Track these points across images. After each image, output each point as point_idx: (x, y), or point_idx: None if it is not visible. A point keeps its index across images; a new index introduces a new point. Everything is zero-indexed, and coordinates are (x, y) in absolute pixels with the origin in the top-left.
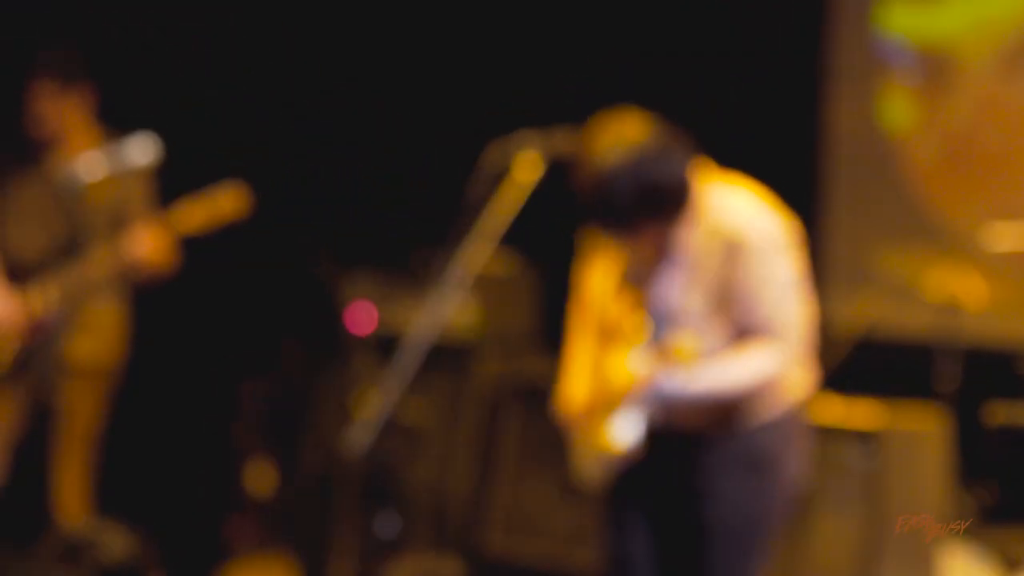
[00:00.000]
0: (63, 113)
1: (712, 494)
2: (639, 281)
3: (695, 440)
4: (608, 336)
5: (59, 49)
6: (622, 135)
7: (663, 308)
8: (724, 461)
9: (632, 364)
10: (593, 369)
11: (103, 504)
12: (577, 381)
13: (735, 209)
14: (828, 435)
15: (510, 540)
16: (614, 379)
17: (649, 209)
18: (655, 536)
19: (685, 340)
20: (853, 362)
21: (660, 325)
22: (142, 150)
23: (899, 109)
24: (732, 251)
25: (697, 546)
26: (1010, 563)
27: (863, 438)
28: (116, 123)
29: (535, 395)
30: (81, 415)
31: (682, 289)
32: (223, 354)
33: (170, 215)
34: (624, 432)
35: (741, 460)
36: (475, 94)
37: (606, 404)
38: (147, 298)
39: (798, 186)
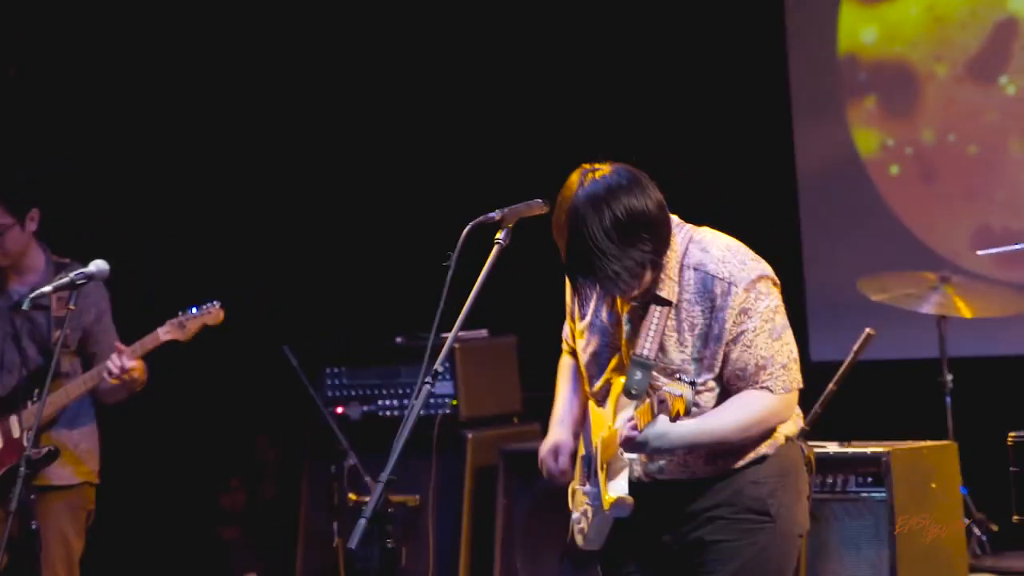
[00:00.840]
0: (19, 242)
1: (714, 544)
2: (620, 331)
3: (687, 488)
4: (596, 392)
5: (8, 179)
6: (591, 173)
7: (647, 356)
8: (719, 506)
9: (618, 417)
10: (582, 424)
11: None
12: (562, 432)
13: (718, 255)
14: (832, 465)
15: None
16: (600, 434)
17: (632, 243)
18: None
19: (673, 389)
20: (849, 390)
21: (644, 374)
22: (96, 271)
23: (867, 131)
24: (717, 297)
25: None
26: None
27: (870, 463)
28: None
29: (525, 463)
30: (62, 538)
31: (666, 337)
32: (202, 458)
33: (150, 334)
34: (614, 488)
35: (736, 504)
36: (445, 175)
37: (596, 461)
38: (119, 411)
39: (776, 222)
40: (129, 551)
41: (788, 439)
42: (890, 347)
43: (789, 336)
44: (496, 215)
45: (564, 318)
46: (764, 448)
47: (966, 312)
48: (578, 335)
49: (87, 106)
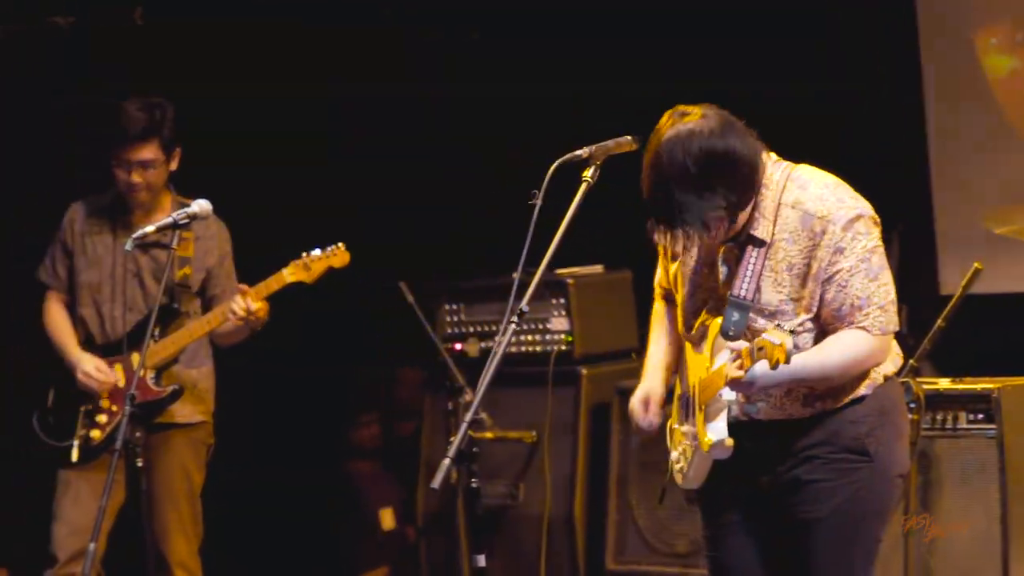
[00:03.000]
0: (162, 179)
1: (811, 484)
2: (716, 272)
3: (784, 428)
4: (692, 334)
5: (166, 110)
6: (679, 117)
7: (744, 297)
8: (816, 446)
9: (715, 359)
10: (678, 368)
11: (219, 559)
12: (655, 381)
13: (816, 192)
14: (942, 402)
15: (625, 560)
16: (698, 376)
17: (714, 186)
18: (757, 537)
19: (773, 337)
20: (965, 325)
21: (741, 315)
22: (199, 211)
23: (998, 56)
24: (816, 235)
25: (801, 541)
26: None
27: (980, 400)
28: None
29: None
30: (184, 472)
31: (763, 277)
32: (332, 394)
33: (275, 274)
34: (713, 430)
35: (834, 444)
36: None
37: (694, 402)
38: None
39: (905, 155)
40: (261, 489)
41: (887, 378)
42: (1017, 281)
43: (887, 277)
44: (583, 152)
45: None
46: (862, 388)
47: None
48: (673, 278)
49: (213, 46)
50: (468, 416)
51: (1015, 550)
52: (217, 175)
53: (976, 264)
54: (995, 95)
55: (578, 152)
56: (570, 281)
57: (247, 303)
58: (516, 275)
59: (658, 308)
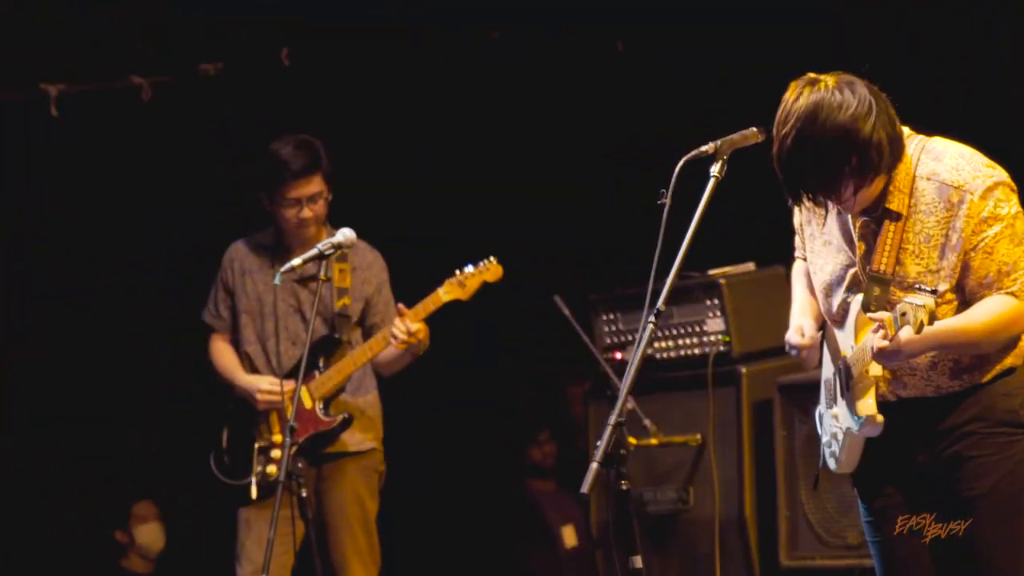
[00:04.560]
0: (324, 209)
1: (970, 460)
2: (854, 248)
3: (935, 404)
4: (834, 313)
5: (318, 145)
6: (811, 85)
7: (883, 272)
8: (972, 421)
9: (860, 336)
10: (821, 352)
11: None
12: (804, 318)
13: (952, 163)
14: None
15: (798, 555)
16: (843, 355)
17: (843, 153)
18: (918, 516)
19: (915, 299)
20: None
21: (883, 290)
22: (343, 240)
23: None
24: (953, 205)
25: (962, 515)
26: None
27: None
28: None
29: (801, 393)
30: (358, 500)
31: (902, 251)
32: (504, 414)
33: (430, 295)
34: (862, 407)
35: (989, 418)
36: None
37: (841, 382)
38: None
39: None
40: (436, 511)
41: None
42: None
43: None
44: (709, 147)
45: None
46: (1010, 360)
47: None
48: (812, 254)
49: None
50: (612, 418)
51: None
52: (361, 203)
53: None
54: None
55: (703, 148)
56: (723, 281)
57: (407, 325)
58: (651, 278)
59: (799, 266)
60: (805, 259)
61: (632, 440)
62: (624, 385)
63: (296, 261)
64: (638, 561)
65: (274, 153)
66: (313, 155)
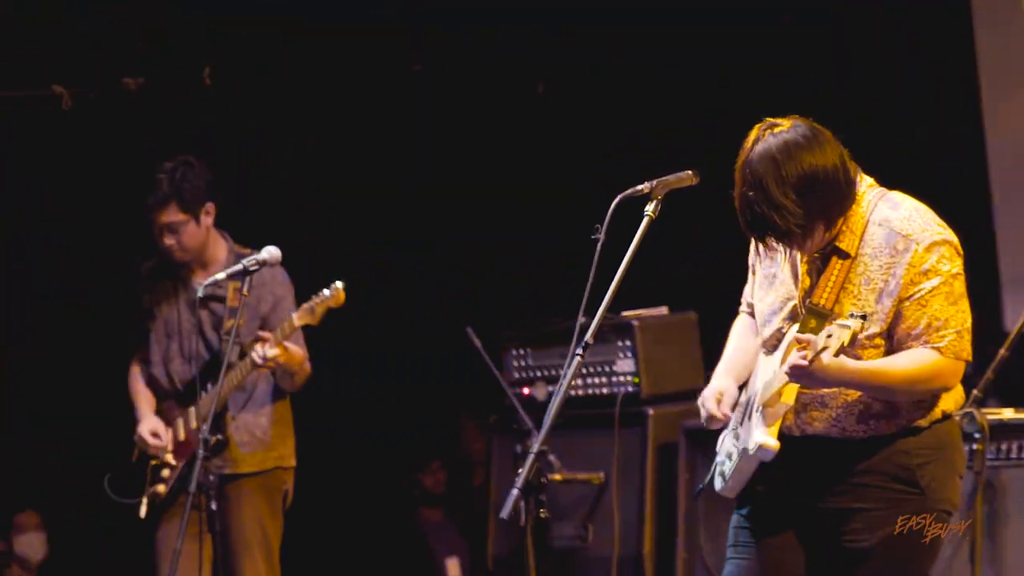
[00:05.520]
0: (196, 236)
1: (860, 512)
2: (797, 281)
3: (835, 448)
4: (767, 341)
5: (188, 171)
6: (770, 129)
7: (823, 306)
8: (867, 473)
9: (787, 359)
10: (753, 370)
11: None
12: (729, 380)
13: (906, 212)
14: (1007, 432)
15: None
16: (764, 379)
17: (807, 197)
18: (797, 553)
19: (845, 321)
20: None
21: (819, 323)
22: (268, 257)
23: None
24: (898, 252)
25: (847, 570)
26: None
27: None
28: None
29: (707, 438)
30: (257, 521)
31: (843, 290)
32: (395, 441)
33: (287, 321)
34: (764, 432)
35: (885, 472)
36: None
37: (753, 404)
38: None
39: (969, 191)
40: (330, 535)
41: (945, 415)
42: None
43: (966, 305)
44: (644, 187)
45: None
46: (919, 419)
47: None
48: (758, 286)
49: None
50: (535, 447)
51: None
52: (282, 221)
53: None
54: None
55: (639, 187)
56: (636, 323)
57: (264, 351)
58: (581, 313)
59: (741, 320)
60: (751, 313)
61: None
62: (549, 414)
63: (220, 276)
64: None
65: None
66: (171, 183)
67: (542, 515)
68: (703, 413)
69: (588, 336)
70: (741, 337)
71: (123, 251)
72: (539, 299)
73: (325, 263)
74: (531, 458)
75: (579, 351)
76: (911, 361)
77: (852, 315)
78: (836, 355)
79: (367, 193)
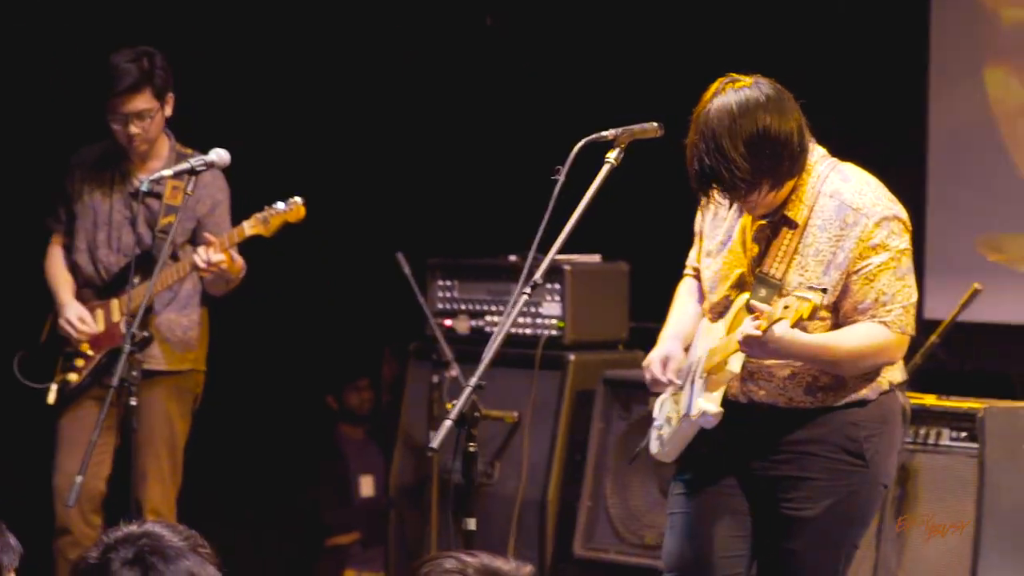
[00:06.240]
0: (158, 127)
1: (805, 481)
2: (746, 249)
3: (782, 416)
4: (714, 307)
5: (155, 59)
6: (732, 84)
7: (774, 275)
8: (813, 442)
9: (734, 326)
10: (696, 335)
11: (195, 510)
12: (675, 345)
13: (857, 186)
14: (927, 417)
15: (593, 546)
16: (708, 345)
17: (756, 154)
18: (736, 515)
19: (805, 293)
20: (954, 348)
21: (769, 292)
22: (216, 159)
23: (1005, 91)
24: (847, 225)
25: (787, 536)
26: None
27: (965, 419)
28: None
29: (625, 390)
30: (166, 419)
31: (795, 256)
32: (329, 358)
33: (236, 227)
34: (708, 398)
35: (832, 443)
36: (558, 94)
37: (697, 370)
38: (235, 309)
39: (904, 176)
40: (250, 446)
41: (892, 386)
42: (1004, 310)
43: (912, 281)
44: (609, 134)
45: (679, 248)
46: (866, 391)
47: None
48: (704, 253)
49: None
50: (473, 380)
51: (983, 569)
52: (221, 126)
53: (976, 284)
54: (999, 126)
55: (604, 133)
56: (567, 268)
57: (208, 254)
58: (531, 251)
59: (686, 283)
60: (696, 276)
61: (449, 406)
62: (490, 349)
63: (167, 172)
64: (472, 523)
65: (109, 64)
66: (141, 69)
67: (471, 450)
68: (647, 376)
69: (538, 275)
70: (687, 301)
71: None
72: (471, 233)
73: (261, 176)
74: (468, 391)
75: (527, 290)
76: (860, 335)
77: (812, 287)
78: (792, 327)
79: (311, 112)
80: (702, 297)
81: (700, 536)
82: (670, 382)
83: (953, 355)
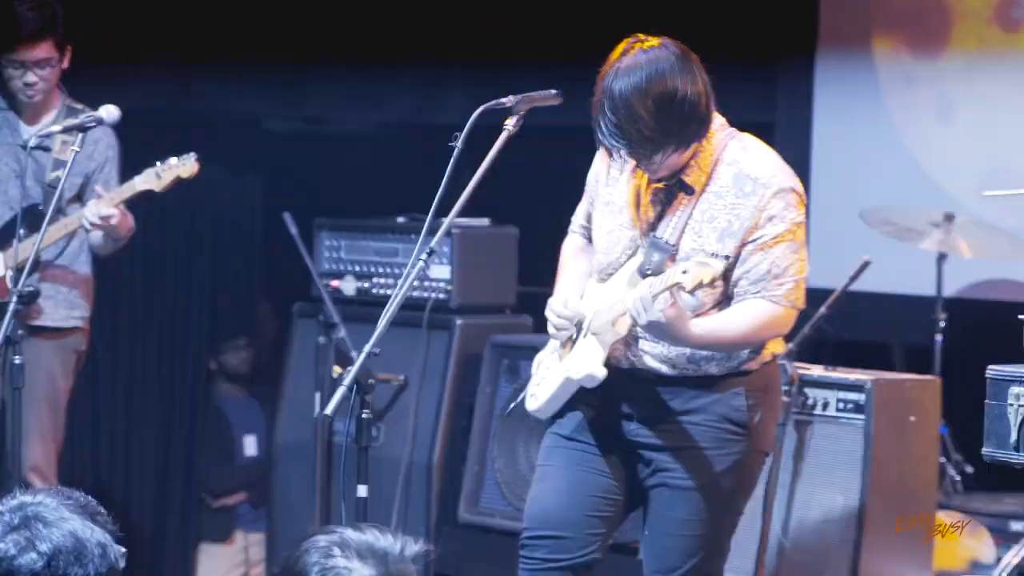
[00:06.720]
0: (54, 77)
1: (690, 450)
2: (640, 211)
3: (666, 383)
4: (605, 268)
5: (56, 7)
6: (640, 44)
7: (668, 240)
8: (697, 412)
9: (627, 289)
10: (585, 292)
11: (76, 465)
12: (572, 291)
13: (756, 156)
14: (815, 387)
15: (478, 511)
16: (595, 306)
17: (665, 115)
18: (612, 481)
19: (705, 260)
20: (842, 318)
21: (661, 257)
22: (106, 116)
23: (891, 63)
24: (744, 194)
25: (671, 504)
26: (1000, 530)
27: (852, 389)
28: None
29: (512, 354)
30: (48, 376)
31: (690, 222)
32: (198, 318)
33: (127, 182)
34: (591, 358)
35: (716, 413)
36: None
37: (582, 329)
38: (117, 265)
39: (790, 143)
40: (125, 402)
41: (774, 356)
42: (887, 281)
43: (805, 255)
44: (508, 101)
45: (568, 212)
46: (750, 362)
47: (967, 252)
48: (597, 215)
49: None
50: (368, 346)
51: (868, 539)
52: (114, 81)
53: (865, 257)
54: (885, 98)
55: (503, 100)
56: (456, 231)
57: (98, 209)
58: (428, 217)
59: (574, 239)
60: (584, 235)
61: (337, 368)
62: (386, 315)
63: (56, 128)
64: (363, 491)
65: (10, 11)
66: (44, 18)
67: (364, 415)
68: (550, 314)
69: (434, 242)
70: (577, 259)
71: None
72: (359, 194)
73: (149, 133)
74: (362, 357)
75: (422, 258)
76: (749, 317)
77: (715, 255)
78: (692, 292)
79: (200, 67)
80: (590, 253)
81: (566, 492)
82: (569, 320)
83: (837, 325)
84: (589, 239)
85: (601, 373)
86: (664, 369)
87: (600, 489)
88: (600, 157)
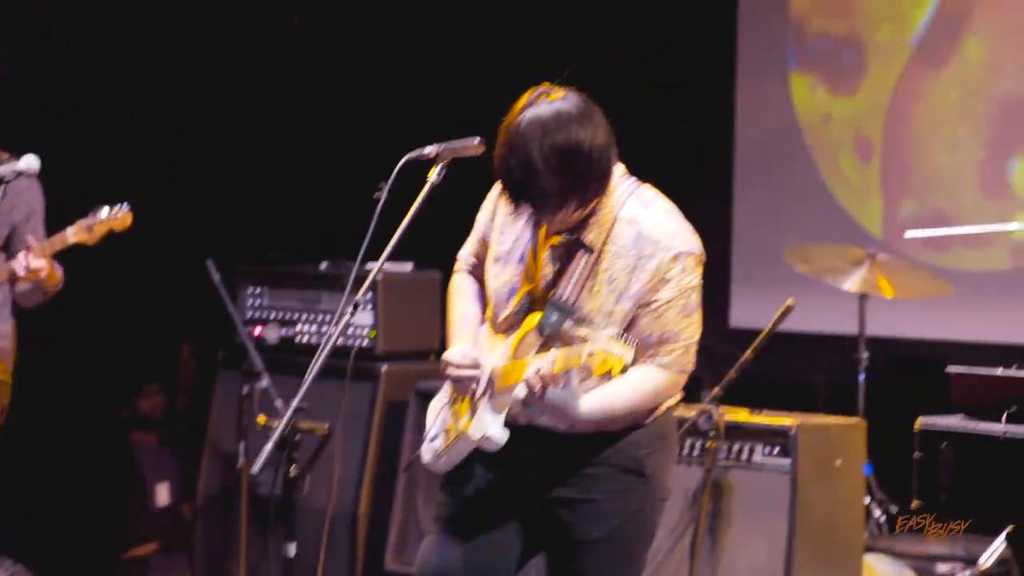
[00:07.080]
0: None
1: (588, 503)
2: (539, 265)
3: (562, 441)
4: (501, 321)
5: None
6: (545, 96)
7: (567, 301)
8: (595, 464)
9: (522, 351)
10: (479, 345)
11: None
12: (462, 349)
13: (656, 216)
14: (740, 433)
15: (405, 560)
16: (495, 362)
17: (567, 170)
18: (509, 536)
19: (615, 348)
20: (766, 359)
21: (560, 317)
22: (25, 168)
23: (810, 101)
24: (644, 257)
25: (573, 558)
26: (927, 571)
27: (777, 435)
28: None
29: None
30: None
31: (588, 282)
32: (119, 363)
33: (58, 233)
34: (492, 421)
35: (613, 464)
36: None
37: (482, 386)
38: (41, 312)
39: (711, 184)
40: (41, 452)
41: (668, 409)
42: (810, 320)
43: (698, 317)
44: (431, 151)
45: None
46: (646, 419)
47: (888, 292)
48: (493, 258)
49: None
50: (295, 403)
51: None
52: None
53: (789, 300)
54: (805, 137)
55: (425, 150)
56: (379, 277)
57: (28, 261)
58: (355, 266)
59: (464, 280)
60: (472, 273)
61: (262, 417)
62: (313, 369)
63: None
64: (292, 549)
65: None
66: None
67: (292, 472)
68: (447, 368)
69: (359, 295)
70: (468, 302)
71: None
72: (283, 240)
73: (68, 181)
74: (289, 414)
75: (350, 309)
76: (636, 387)
77: (627, 342)
78: (598, 375)
79: (125, 115)
80: (482, 298)
81: (462, 549)
82: (469, 378)
83: (759, 365)
84: (477, 277)
85: (502, 438)
86: (560, 427)
87: (497, 544)
88: (495, 196)
